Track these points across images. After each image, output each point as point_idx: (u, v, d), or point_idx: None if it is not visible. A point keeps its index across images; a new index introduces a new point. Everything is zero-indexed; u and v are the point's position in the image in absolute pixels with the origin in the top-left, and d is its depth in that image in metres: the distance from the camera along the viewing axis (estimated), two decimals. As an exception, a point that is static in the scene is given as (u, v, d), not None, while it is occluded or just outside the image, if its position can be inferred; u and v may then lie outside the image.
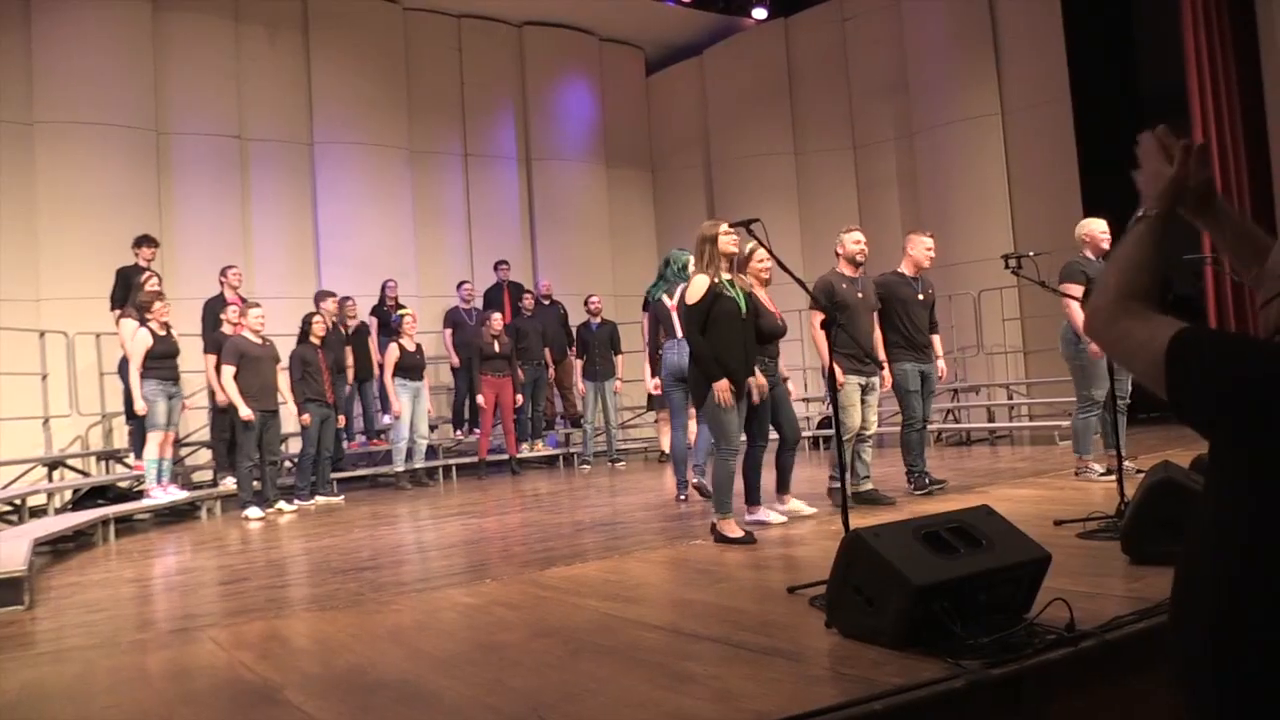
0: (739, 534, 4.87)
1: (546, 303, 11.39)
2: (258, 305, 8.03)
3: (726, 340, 4.99)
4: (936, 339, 6.52)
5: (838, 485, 5.79)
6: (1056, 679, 2.52)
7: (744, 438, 5.24)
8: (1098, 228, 6.40)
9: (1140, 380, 1.44)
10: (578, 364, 10.67)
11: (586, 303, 10.73)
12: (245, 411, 7.54)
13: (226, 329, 8.14)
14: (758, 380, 5.22)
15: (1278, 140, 9.11)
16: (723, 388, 4.94)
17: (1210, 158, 1.65)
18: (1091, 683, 2.58)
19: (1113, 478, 5.04)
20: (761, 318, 5.39)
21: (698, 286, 5.03)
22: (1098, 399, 6.27)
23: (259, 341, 7.83)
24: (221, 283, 8.92)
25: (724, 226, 5.12)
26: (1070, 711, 2.54)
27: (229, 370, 7.60)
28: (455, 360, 10.64)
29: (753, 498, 5.47)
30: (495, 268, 11.63)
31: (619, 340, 10.66)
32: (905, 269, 6.36)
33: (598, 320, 10.64)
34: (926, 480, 6.25)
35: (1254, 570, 1.24)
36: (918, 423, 6.27)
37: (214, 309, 8.61)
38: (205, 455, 9.44)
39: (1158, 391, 1.39)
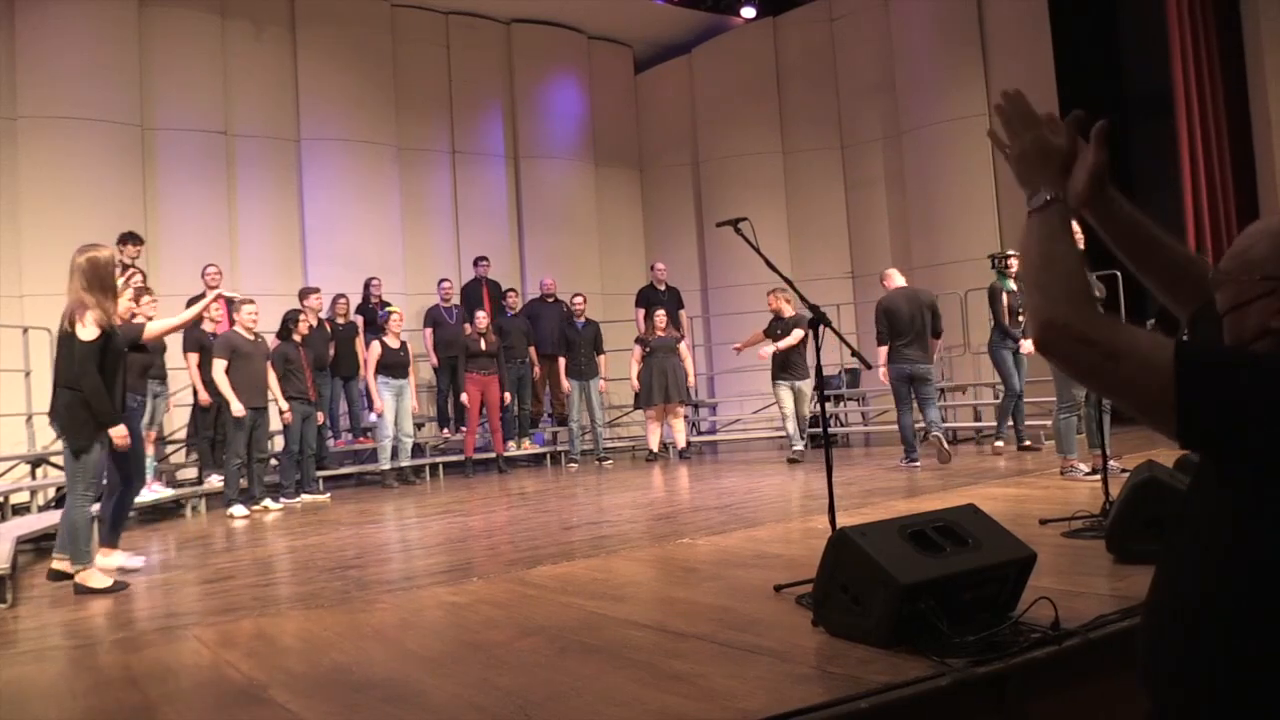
0: (107, 583, 4.64)
1: (550, 300, 11.34)
2: (251, 301, 7.96)
3: (110, 383, 4.71)
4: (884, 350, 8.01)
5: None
6: (1041, 677, 2.53)
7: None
8: None
9: (1118, 402, 1.25)
10: (562, 362, 10.67)
11: (570, 302, 10.77)
12: (237, 407, 7.49)
13: (208, 326, 8.08)
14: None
15: (1262, 139, 9.18)
16: (123, 435, 4.76)
17: (1108, 140, 1.44)
18: (1076, 681, 2.59)
19: (1098, 477, 5.06)
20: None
21: (93, 322, 4.63)
22: (1079, 399, 6.33)
23: (250, 338, 7.79)
24: (204, 282, 8.87)
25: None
26: (1054, 709, 2.55)
27: (220, 364, 7.55)
28: (434, 360, 10.55)
29: (114, 539, 5.29)
30: (475, 264, 11.56)
31: (602, 340, 10.67)
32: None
33: (582, 320, 10.65)
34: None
35: (1251, 589, 1.22)
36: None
37: (197, 308, 8.54)
38: (190, 452, 9.38)
39: (1146, 415, 1.23)
